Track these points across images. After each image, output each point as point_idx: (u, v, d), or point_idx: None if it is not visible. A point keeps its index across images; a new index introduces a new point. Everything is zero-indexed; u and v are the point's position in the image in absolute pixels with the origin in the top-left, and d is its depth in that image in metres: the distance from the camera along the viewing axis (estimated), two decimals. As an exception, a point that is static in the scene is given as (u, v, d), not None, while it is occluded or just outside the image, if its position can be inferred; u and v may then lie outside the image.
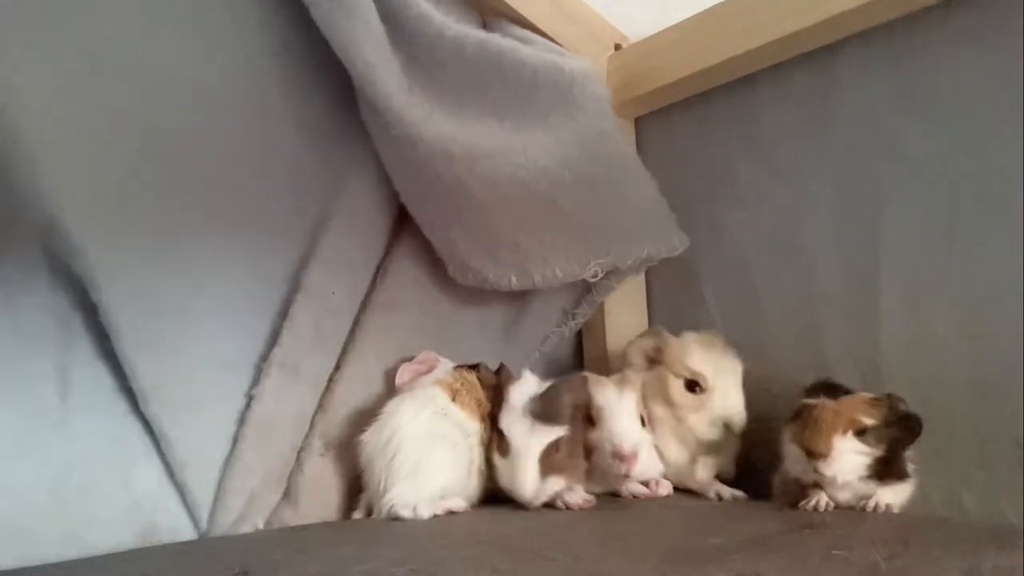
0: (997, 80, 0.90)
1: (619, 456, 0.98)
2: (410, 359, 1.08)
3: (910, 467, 0.89)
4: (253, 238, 0.99)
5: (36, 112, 0.80)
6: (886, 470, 0.87)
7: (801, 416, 0.90)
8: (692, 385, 1.04)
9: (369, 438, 0.95)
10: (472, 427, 0.99)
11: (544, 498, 0.95)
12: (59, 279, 0.84)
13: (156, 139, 0.91)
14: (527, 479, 0.93)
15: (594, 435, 1.01)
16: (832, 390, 0.92)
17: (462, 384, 1.02)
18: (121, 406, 0.87)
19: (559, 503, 0.96)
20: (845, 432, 0.86)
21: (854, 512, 0.87)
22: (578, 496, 0.97)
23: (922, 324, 0.96)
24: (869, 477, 0.87)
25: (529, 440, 0.94)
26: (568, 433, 0.96)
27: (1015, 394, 0.87)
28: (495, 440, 0.99)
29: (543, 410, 0.96)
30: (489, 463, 1.00)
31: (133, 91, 0.89)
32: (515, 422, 0.96)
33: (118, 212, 0.86)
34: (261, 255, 1.00)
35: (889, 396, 0.88)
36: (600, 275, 1.12)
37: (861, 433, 0.86)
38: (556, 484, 0.95)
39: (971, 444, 0.91)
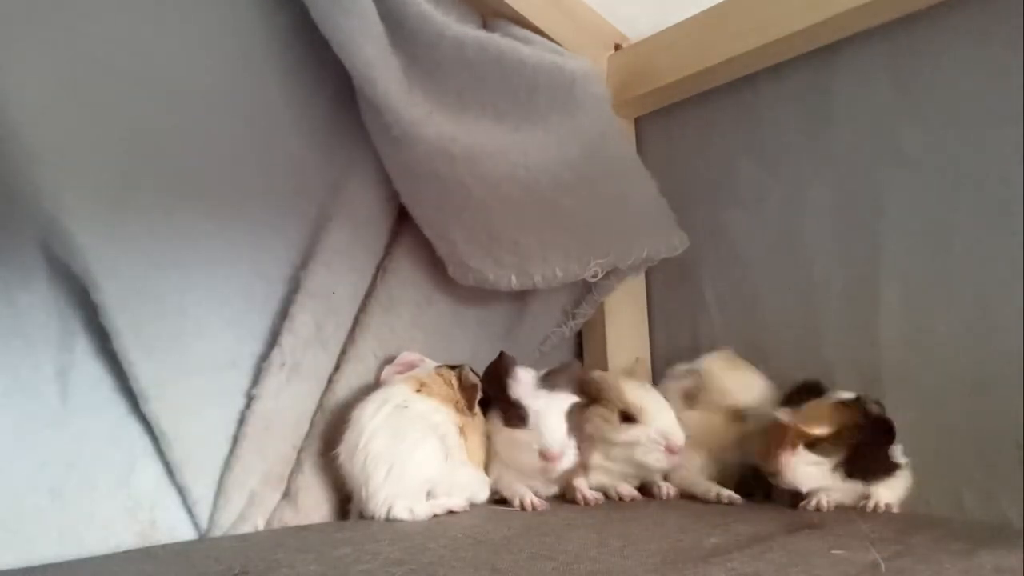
0: (997, 80, 0.90)
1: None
2: (392, 360, 1.07)
3: (901, 460, 0.89)
4: (253, 238, 0.99)
5: (36, 112, 0.80)
6: (864, 468, 0.87)
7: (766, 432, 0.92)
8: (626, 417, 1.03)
9: (342, 449, 0.93)
10: (440, 417, 0.94)
11: (568, 462, 0.95)
12: (59, 279, 0.83)
13: (156, 139, 0.91)
14: (555, 434, 0.93)
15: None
16: (810, 392, 0.93)
17: (433, 380, 0.99)
18: (121, 406, 0.87)
19: (578, 496, 0.99)
20: (794, 447, 0.88)
21: (854, 512, 0.87)
22: (590, 492, 1.00)
23: (922, 324, 0.96)
24: (844, 478, 0.88)
25: (551, 400, 0.96)
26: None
27: (1015, 394, 0.87)
28: (499, 418, 0.99)
29: (558, 381, 0.99)
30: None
31: (133, 91, 0.88)
32: (529, 392, 0.98)
33: (117, 212, 0.86)
34: (261, 255, 1.00)
35: (859, 399, 0.89)
36: (600, 275, 1.12)
37: (812, 445, 0.88)
38: (575, 452, 0.96)
39: (971, 444, 0.91)
